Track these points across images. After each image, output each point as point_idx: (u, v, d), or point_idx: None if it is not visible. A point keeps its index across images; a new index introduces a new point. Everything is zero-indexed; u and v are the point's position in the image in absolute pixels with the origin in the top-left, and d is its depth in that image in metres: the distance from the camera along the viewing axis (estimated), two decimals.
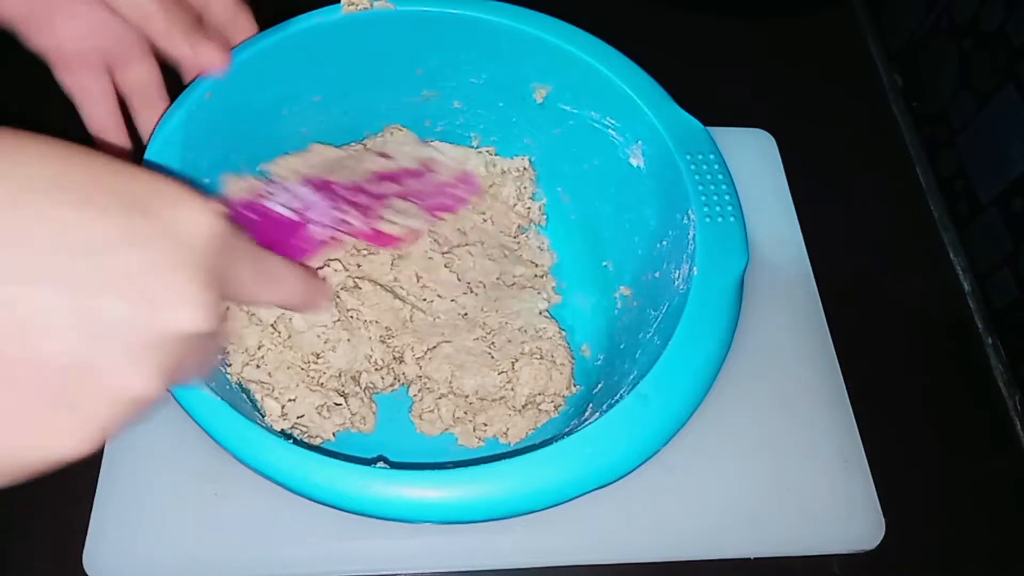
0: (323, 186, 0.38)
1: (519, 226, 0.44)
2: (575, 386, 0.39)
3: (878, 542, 0.38)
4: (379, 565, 0.36)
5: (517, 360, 0.39)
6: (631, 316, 0.39)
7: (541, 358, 0.39)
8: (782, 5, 0.58)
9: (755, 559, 0.38)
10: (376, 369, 0.38)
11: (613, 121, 0.39)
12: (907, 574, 0.39)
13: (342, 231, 0.36)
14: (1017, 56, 0.44)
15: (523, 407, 0.38)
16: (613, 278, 0.42)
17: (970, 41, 0.48)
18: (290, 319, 0.37)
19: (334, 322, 0.38)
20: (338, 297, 0.38)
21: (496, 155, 0.44)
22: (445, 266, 0.40)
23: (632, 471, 0.29)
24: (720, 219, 0.34)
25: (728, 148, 0.35)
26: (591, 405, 0.36)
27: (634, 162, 0.39)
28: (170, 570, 0.35)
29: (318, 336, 0.37)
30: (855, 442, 0.41)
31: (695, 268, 0.33)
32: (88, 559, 0.35)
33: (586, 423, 0.31)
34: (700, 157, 0.36)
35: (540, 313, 0.41)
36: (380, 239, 0.38)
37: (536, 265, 0.43)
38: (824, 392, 0.42)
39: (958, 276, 0.48)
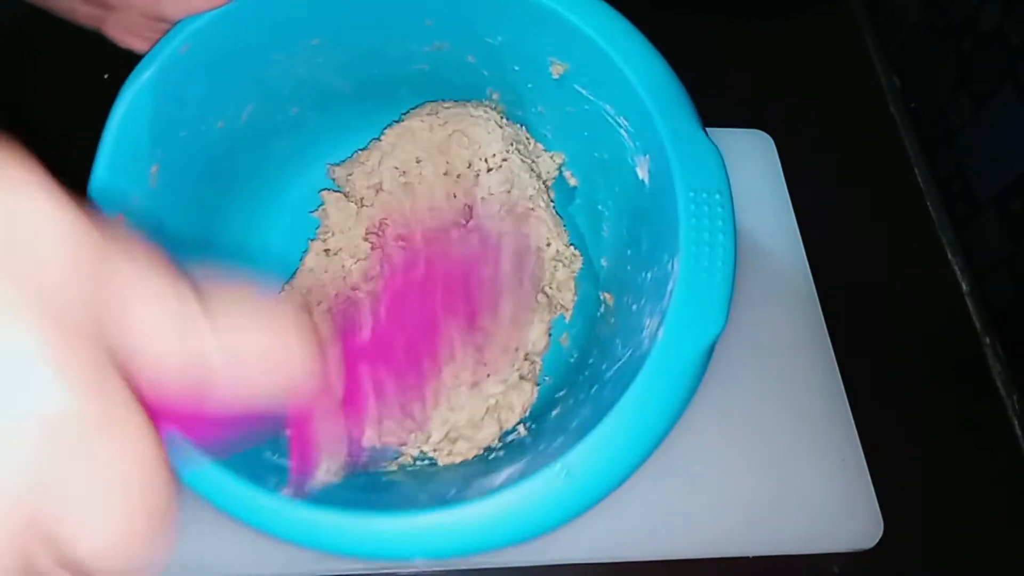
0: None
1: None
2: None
3: (876, 541, 0.39)
4: (380, 563, 0.35)
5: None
6: (606, 331, 0.37)
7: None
8: (780, 5, 0.58)
9: (753, 558, 0.38)
10: None
11: (626, 123, 0.35)
12: (906, 573, 0.40)
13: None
14: (1015, 56, 0.44)
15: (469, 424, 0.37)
16: (604, 277, 0.40)
17: (968, 41, 0.48)
18: None
19: None
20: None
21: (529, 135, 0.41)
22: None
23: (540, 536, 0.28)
24: (706, 274, 0.30)
25: (726, 149, 0.34)
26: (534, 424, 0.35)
27: (640, 173, 0.35)
28: (174, 569, 0.35)
29: None
30: (853, 441, 0.41)
31: (662, 330, 0.29)
32: None
33: (508, 479, 0.29)
34: (705, 196, 0.31)
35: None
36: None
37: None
38: (822, 392, 0.42)
39: (956, 276, 0.48)
